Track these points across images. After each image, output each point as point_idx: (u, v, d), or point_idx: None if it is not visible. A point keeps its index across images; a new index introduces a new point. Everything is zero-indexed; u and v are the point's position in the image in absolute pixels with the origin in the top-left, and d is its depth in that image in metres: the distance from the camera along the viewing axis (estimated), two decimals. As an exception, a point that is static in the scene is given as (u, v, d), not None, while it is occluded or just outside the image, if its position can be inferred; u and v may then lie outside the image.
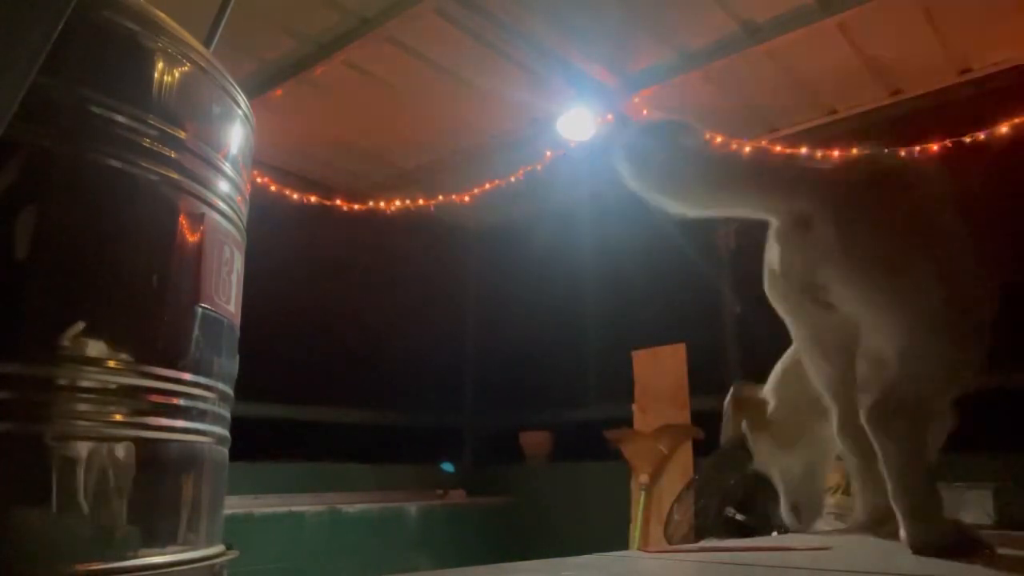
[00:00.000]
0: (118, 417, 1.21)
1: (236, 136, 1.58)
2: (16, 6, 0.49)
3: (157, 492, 1.28)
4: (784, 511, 1.79)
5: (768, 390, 1.95)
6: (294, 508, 3.81)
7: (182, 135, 1.38)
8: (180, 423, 1.33)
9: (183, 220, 1.37)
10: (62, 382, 1.14)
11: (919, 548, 1.21)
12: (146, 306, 1.29)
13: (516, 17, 3.40)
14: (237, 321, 1.57)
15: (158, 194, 1.33)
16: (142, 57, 1.33)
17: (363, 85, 3.91)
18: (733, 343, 4.36)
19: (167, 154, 1.34)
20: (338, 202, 4.74)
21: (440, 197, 4.85)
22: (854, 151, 3.93)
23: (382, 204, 4.85)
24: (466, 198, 4.82)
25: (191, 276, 1.38)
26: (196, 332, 1.38)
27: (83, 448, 1.16)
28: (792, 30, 3.40)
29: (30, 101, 0.97)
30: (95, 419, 1.18)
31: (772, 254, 1.47)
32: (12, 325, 1.09)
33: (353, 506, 3.96)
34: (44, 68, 0.94)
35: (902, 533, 1.25)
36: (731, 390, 2.27)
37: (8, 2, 0.49)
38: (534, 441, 5.10)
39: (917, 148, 3.81)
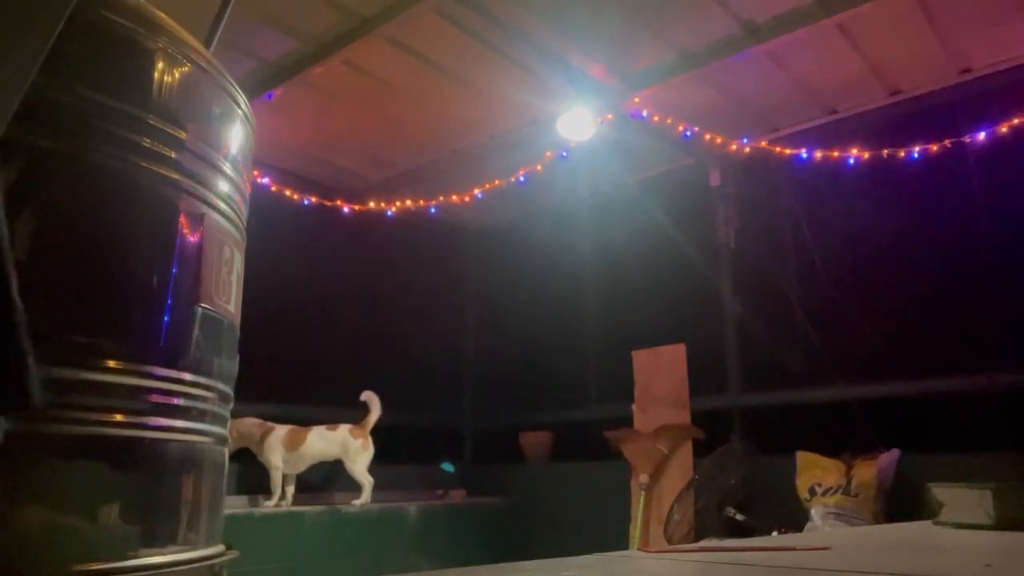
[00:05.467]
0: (118, 417, 1.21)
1: (236, 136, 1.58)
2: (16, 6, 0.49)
3: (157, 492, 1.28)
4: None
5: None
6: (294, 508, 3.81)
7: (182, 135, 1.38)
8: (180, 423, 1.33)
9: (183, 220, 1.37)
10: (62, 382, 1.14)
11: None
12: (146, 306, 1.29)
13: (516, 17, 3.40)
14: (237, 321, 1.57)
15: (158, 194, 1.33)
16: (142, 57, 1.33)
17: (363, 85, 3.91)
18: (733, 343, 4.36)
19: (167, 154, 1.34)
20: (338, 202, 4.74)
21: (440, 197, 4.85)
22: (853, 151, 3.94)
23: (382, 204, 4.85)
24: (466, 198, 4.82)
25: (191, 276, 1.38)
26: (196, 332, 1.38)
27: (83, 448, 1.16)
28: (792, 30, 3.40)
29: (30, 101, 0.97)
30: (95, 419, 1.18)
31: None
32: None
33: (353, 506, 3.96)
34: (44, 68, 0.94)
35: None
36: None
37: (8, 2, 0.49)
38: (534, 441, 5.10)
39: (917, 148, 3.81)
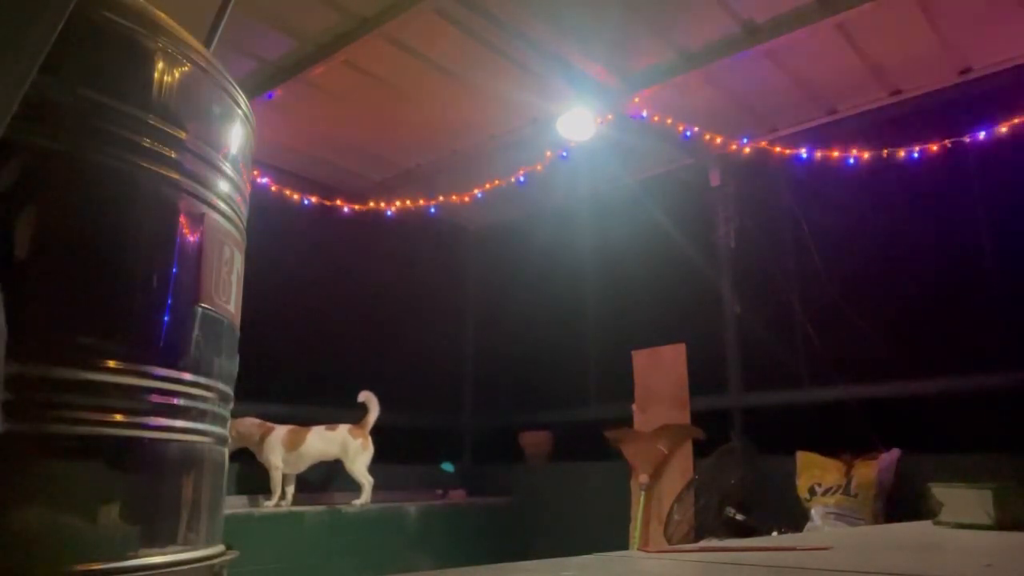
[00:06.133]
0: (118, 417, 1.21)
1: (236, 136, 1.58)
2: (16, 6, 0.49)
3: (157, 492, 1.28)
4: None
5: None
6: (294, 508, 3.81)
7: (182, 135, 1.38)
8: (180, 423, 1.33)
9: (183, 220, 1.37)
10: (62, 382, 1.14)
11: None
12: (146, 306, 1.29)
13: (516, 17, 3.40)
14: (237, 321, 1.57)
15: (158, 194, 1.33)
16: (142, 57, 1.33)
17: (363, 85, 3.91)
18: (733, 343, 4.36)
19: (167, 154, 1.34)
20: (338, 202, 4.74)
21: (440, 197, 4.85)
22: (853, 151, 3.94)
23: (382, 204, 4.85)
24: (466, 198, 4.82)
25: (191, 276, 1.38)
26: (196, 332, 1.38)
27: (83, 448, 1.16)
28: (792, 30, 3.40)
29: (30, 101, 0.97)
30: (95, 419, 1.18)
31: None
32: (12, 325, 1.09)
33: (353, 506, 3.96)
34: (44, 68, 0.94)
35: None
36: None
37: (8, 2, 0.49)
38: (534, 441, 5.10)
39: (917, 148, 3.81)
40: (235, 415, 1.63)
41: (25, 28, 0.49)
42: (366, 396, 4.11)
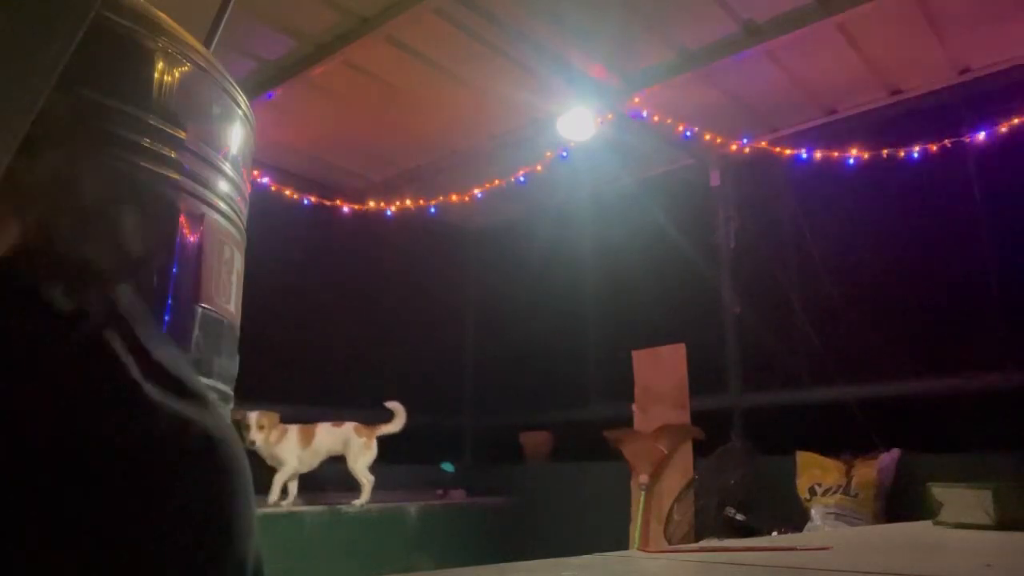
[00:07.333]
0: (118, 417, 1.21)
1: (236, 136, 1.58)
2: (35, 18, 0.49)
3: (157, 492, 1.27)
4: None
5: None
6: (294, 508, 3.81)
7: (182, 135, 1.38)
8: (180, 423, 1.33)
9: (183, 220, 1.37)
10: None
11: None
12: (146, 306, 1.29)
13: (516, 17, 3.40)
14: (237, 321, 1.57)
15: (158, 194, 1.33)
16: (142, 57, 1.33)
17: (363, 85, 3.91)
18: (733, 343, 4.36)
19: (167, 154, 1.34)
20: (338, 202, 4.74)
21: (440, 197, 4.85)
22: (853, 151, 3.94)
23: (382, 204, 4.85)
24: (466, 198, 4.82)
25: (191, 276, 1.38)
26: (196, 332, 1.38)
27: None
28: (792, 30, 3.40)
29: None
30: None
31: None
32: None
33: (353, 506, 3.96)
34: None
35: None
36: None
37: (26, 14, 0.48)
38: (534, 441, 5.10)
39: (917, 148, 3.81)
40: (234, 416, 1.63)
41: (43, 40, 0.49)
42: (395, 406, 4.12)
